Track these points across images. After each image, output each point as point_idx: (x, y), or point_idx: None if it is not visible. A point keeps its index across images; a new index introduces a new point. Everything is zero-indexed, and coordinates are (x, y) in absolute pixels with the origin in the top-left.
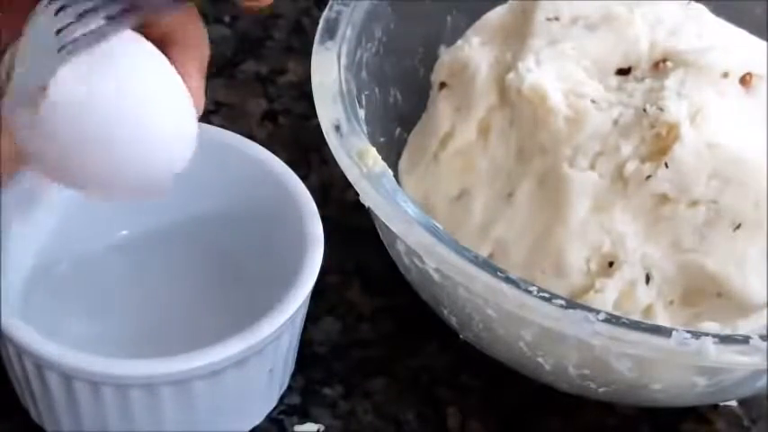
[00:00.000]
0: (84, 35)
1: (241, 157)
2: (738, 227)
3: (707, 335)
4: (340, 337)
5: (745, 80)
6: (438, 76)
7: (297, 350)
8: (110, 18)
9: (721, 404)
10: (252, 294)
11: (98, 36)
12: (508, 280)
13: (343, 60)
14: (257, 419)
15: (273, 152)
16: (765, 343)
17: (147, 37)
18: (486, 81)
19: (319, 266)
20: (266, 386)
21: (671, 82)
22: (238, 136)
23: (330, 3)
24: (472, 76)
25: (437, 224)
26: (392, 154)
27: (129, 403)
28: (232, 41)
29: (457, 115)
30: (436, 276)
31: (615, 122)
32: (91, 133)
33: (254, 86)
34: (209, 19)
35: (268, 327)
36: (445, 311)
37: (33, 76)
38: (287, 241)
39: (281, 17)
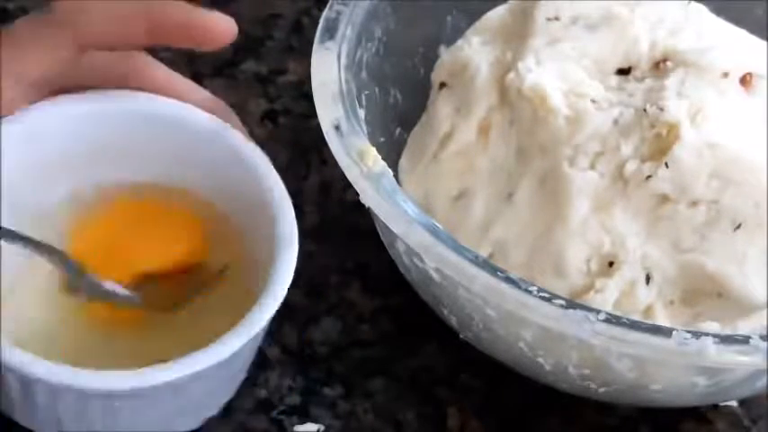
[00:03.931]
0: None
1: (215, 143)
2: (738, 227)
3: (707, 335)
4: (340, 337)
5: (745, 80)
6: (438, 76)
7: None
8: None
9: (721, 404)
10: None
11: None
12: (508, 280)
13: (343, 60)
14: (213, 412)
15: (273, 152)
16: (765, 343)
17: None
18: (486, 81)
19: (290, 280)
20: (226, 387)
21: (671, 82)
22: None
23: (330, 3)
24: (472, 76)
25: (437, 224)
26: (392, 154)
27: (86, 408)
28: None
29: (457, 115)
30: (436, 276)
31: (615, 122)
32: None
33: (254, 86)
34: None
35: (227, 348)
36: (445, 311)
37: None
38: (259, 242)
39: (281, 17)
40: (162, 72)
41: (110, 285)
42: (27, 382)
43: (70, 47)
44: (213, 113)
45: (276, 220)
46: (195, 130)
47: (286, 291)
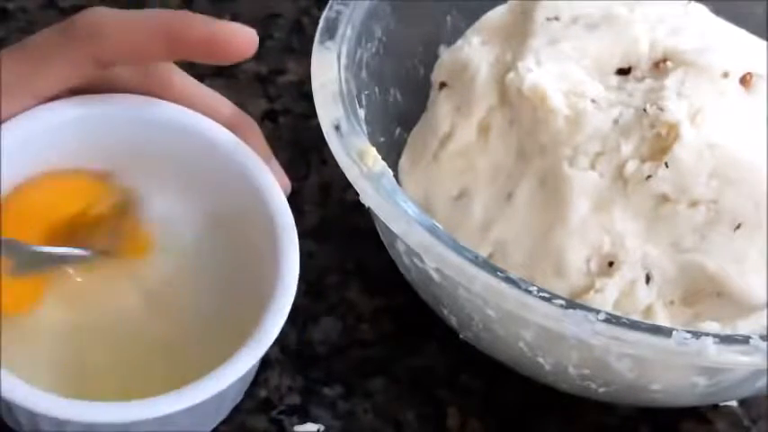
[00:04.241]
0: None
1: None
2: (738, 227)
3: (707, 335)
4: (340, 337)
5: (745, 80)
6: (438, 75)
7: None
8: None
9: (721, 404)
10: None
11: None
12: (508, 280)
13: (343, 60)
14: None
15: (273, 152)
16: (765, 343)
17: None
18: (486, 81)
19: (285, 316)
20: (214, 413)
21: (671, 82)
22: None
23: (330, 3)
24: (472, 76)
25: (437, 224)
26: (392, 154)
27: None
28: None
29: (457, 115)
30: (436, 276)
31: (615, 122)
32: None
33: (254, 86)
34: None
35: (216, 384)
36: (445, 311)
37: None
38: (260, 265)
39: (281, 17)
40: (185, 81)
41: (49, 249)
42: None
43: (89, 62)
44: (236, 127)
45: (278, 250)
46: (203, 140)
47: (281, 326)
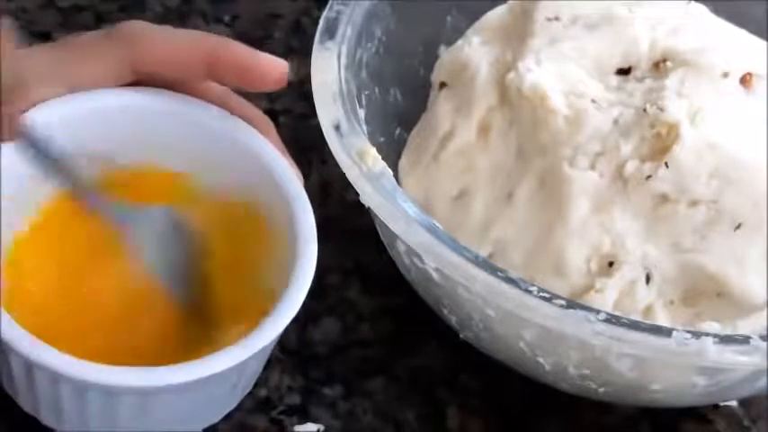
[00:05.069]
0: None
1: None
2: (738, 227)
3: (707, 335)
4: (340, 337)
5: (745, 80)
6: (438, 75)
7: (267, 359)
8: None
9: (721, 404)
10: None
11: None
12: (508, 280)
13: (343, 60)
14: (215, 419)
15: None
16: (765, 343)
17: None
18: (486, 81)
19: (305, 293)
20: (228, 395)
21: (671, 82)
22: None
23: (330, 3)
24: (472, 76)
25: (437, 224)
26: (392, 154)
27: (86, 401)
28: None
29: (457, 115)
30: (436, 276)
31: (615, 122)
32: None
33: None
34: (208, 19)
35: (231, 358)
36: (445, 311)
37: None
38: (280, 246)
39: (281, 17)
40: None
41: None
42: (30, 366)
43: (126, 67)
44: (253, 122)
45: (295, 224)
46: (225, 135)
47: (300, 304)
